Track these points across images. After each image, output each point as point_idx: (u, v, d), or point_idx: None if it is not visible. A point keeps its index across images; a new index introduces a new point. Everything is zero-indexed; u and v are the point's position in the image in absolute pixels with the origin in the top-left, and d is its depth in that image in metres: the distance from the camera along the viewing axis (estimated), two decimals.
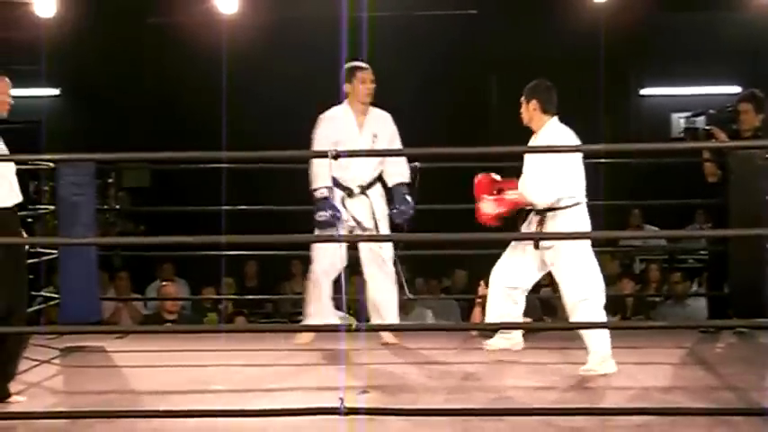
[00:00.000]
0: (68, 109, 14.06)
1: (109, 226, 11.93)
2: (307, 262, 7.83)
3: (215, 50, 11.72)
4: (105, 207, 11.62)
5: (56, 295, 8.03)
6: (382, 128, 7.25)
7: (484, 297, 7.71)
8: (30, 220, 9.73)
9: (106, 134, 12.24)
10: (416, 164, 7.47)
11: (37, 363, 6.80)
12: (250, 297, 10.35)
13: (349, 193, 7.18)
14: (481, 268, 8.64)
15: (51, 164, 7.84)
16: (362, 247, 7.27)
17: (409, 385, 6.01)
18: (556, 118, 6.59)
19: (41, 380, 6.34)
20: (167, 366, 6.66)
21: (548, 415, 5.05)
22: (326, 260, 7.16)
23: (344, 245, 6.93)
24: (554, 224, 6.32)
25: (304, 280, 10.56)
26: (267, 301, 10.75)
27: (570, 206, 6.35)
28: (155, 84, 12.92)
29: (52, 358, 7.04)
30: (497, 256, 6.93)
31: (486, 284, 7.74)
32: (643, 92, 14.53)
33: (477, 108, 14.18)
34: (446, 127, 12.73)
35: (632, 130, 13.94)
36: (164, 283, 10.05)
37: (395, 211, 7.21)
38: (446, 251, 9.14)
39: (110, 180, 12.86)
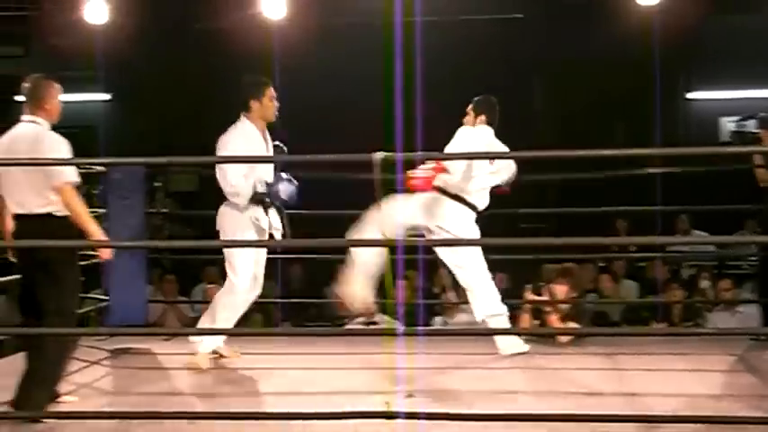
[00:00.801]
0: (119, 114, 14.20)
1: (157, 229, 12.01)
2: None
3: (263, 55, 11.77)
4: (153, 211, 11.71)
5: (104, 297, 8.10)
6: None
7: (531, 302, 7.76)
8: None
9: (155, 138, 12.33)
10: None
11: (86, 364, 6.88)
12: (295, 300, 10.35)
13: (269, 205, 6.78)
14: (523, 272, 8.65)
15: (102, 167, 7.93)
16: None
17: (454, 390, 6.02)
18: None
19: (91, 381, 6.42)
20: (212, 368, 6.70)
21: (594, 421, 5.03)
22: (250, 273, 6.82)
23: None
24: None
25: None
26: (311, 305, 10.76)
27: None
28: (203, 88, 13.00)
29: (101, 359, 7.12)
30: (538, 261, 6.93)
31: (533, 290, 7.78)
32: (690, 95, 14.44)
33: (523, 112, 14.16)
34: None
35: (680, 134, 13.85)
36: (209, 286, 10.10)
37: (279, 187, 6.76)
38: (487, 255, 9.11)
39: (158, 184, 12.96)
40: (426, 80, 11.91)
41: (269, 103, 6.79)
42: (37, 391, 5.42)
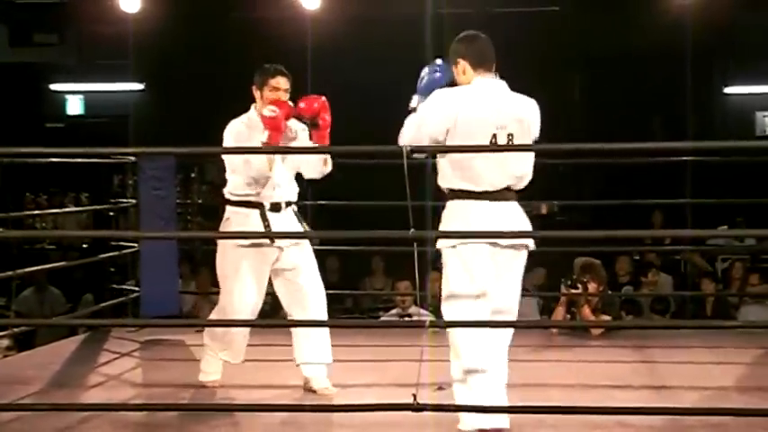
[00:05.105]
0: (153, 103, 14.23)
1: (189, 221, 12.07)
2: (388, 257, 7.78)
3: (299, 45, 11.79)
4: (188, 201, 11.74)
5: (136, 288, 8.13)
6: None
7: (567, 296, 7.77)
8: (111, 213, 9.90)
9: (190, 129, 12.34)
10: None
11: (117, 355, 6.91)
12: (330, 292, 10.30)
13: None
14: (560, 266, 8.63)
15: (132, 158, 7.96)
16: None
17: None
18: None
19: (121, 372, 6.44)
20: (244, 360, 6.67)
21: (623, 414, 5.01)
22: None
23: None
24: None
25: (385, 276, 10.69)
26: (347, 297, 10.77)
27: None
28: (239, 78, 13.00)
29: (132, 351, 7.14)
30: (575, 254, 6.86)
31: (568, 284, 7.78)
32: (727, 90, 14.36)
33: (560, 105, 14.09)
34: None
35: (716, 128, 13.78)
36: None
37: None
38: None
39: (193, 175, 13.01)
40: None
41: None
42: None
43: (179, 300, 8.27)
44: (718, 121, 14.17)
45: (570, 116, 14.01)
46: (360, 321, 8.52)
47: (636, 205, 10.02)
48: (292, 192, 6.04)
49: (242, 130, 5.98)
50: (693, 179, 9.48)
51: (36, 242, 13.10)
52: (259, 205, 5.89)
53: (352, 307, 10.88)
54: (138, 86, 14.13)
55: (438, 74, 5.27)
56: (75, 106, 16.13)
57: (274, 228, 5.85)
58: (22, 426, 4.96)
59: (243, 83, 6.46)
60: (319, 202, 8.91)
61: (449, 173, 5.00)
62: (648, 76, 13.29)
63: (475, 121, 4.95)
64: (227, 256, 5.98)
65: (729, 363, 6.50)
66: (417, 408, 4.66)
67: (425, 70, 5.34)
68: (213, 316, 6.13)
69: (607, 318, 7.85)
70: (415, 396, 4.72)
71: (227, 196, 6.03)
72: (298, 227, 6.01)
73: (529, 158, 5.06)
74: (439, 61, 5.34)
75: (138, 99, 13.93)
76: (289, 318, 6.14)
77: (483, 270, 4.94)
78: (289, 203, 6.00)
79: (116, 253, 8.31)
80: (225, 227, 6.04)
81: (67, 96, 16.40)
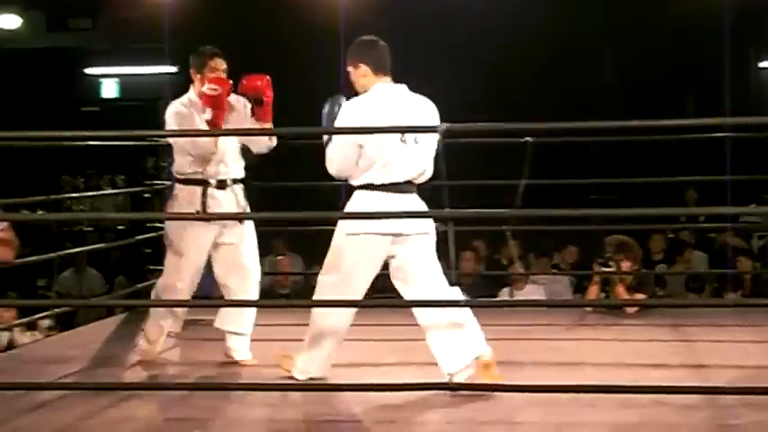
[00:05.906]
0: (186, 85, 14.17)
1: None
2: None
3: (331, 26, 11.79)
4: None
5: None
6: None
7: (600, 274, 7.79)
8: (147, 195, 9.95)
9: None
10: (529, 138, 7.44)
11: None
12: None
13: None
14: (592, 244, 8.64)
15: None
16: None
17: (520, 361, 6.01)
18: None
19: (159, 351, 6.47)
20: (280, 340, 6.70)
21: (658, 393, 5.01)
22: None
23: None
24: None
25: None
26: (378, 277, 10.75)
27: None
28: (270, 58, 13.02)
29: (170, 331, 7.17)
30: (607, 233, 6.86)
31: (602, 262, 7.80)
32: (763, 65, 14.28)
33: (593, 82, 14.05)
34: (562, 102, 12.64)
35: (752, 104, 13.69)
36: (278, 258, 10.15)
37: None
38: (557, 227, 9.10)
39: None
40: (493, 50, 11.87)
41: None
42: None
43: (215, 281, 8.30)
44: (754, 97, 14.07)
45: (603, 93, 13.96)
46: (391, 301, 8.49)
47: (669, 183, 9.99)
48: (239, 168, 6.21)
49: (183, 110, 6.15)
50: (729, 156, 9.43)
51: (74, 224, 13.25)
52: (204, 182, 6.03)
53: (383, 287, 10.86)
54: (172, 69, 14.14)
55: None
56: (109, 89, 16.02)
57: (218, 204, 6.03)
58: (65, 404, 5.02)
59: (275, 64, 6.49)
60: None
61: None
62: (683, 51, 13.21)
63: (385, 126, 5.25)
64: (172, 232, 6.13)
65: (766, 341, 6.49)
66: (454, 387, 4.69)
67: (327, 105, 5.52)
68: (159, 290, 6.26)
69: (642, 296, 7.85)
70: (451, 375, 4.75)
71: (175, 175, 6.20)
72: (243, 204, 6.17)
73: (431, 157, 5.39)
74: (342, 100, 5.49)
75: (171, 81, 13.94)
76: (223, 289, 6.36)
77: None
78: (236, 181, 6.15)
79: (152, 234, 8.36)
80: (171, 203, 6.19)
81: (102, 80, 16.57)
